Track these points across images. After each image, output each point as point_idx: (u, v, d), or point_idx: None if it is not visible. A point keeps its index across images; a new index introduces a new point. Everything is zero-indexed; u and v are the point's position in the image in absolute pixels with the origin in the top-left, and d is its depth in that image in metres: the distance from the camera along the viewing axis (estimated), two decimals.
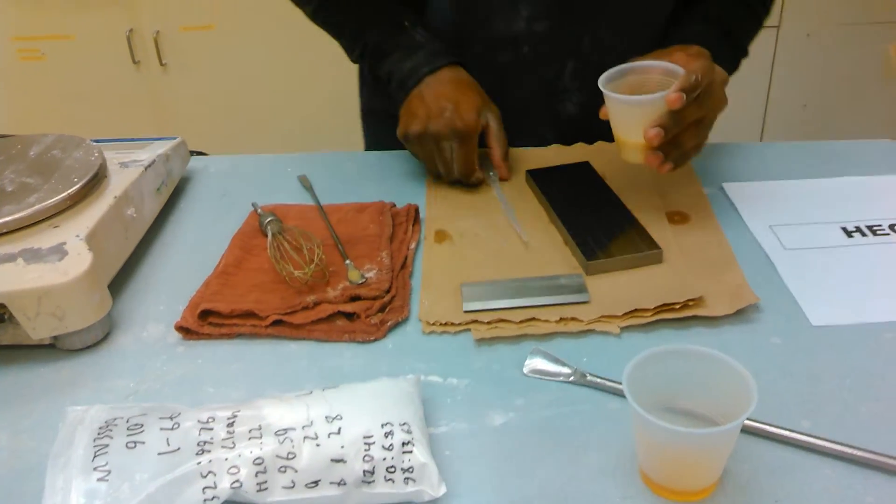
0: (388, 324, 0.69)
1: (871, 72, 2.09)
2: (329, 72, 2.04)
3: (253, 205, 0.87)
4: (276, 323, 0.70)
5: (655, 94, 0.73)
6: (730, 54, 0.89)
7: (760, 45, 2.04)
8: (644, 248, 0.75)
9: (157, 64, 2.14)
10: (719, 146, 0.96)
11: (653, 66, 0.77)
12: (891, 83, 2.09)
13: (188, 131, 2.28)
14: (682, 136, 0.75)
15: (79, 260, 0.68)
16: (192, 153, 1.01)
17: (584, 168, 0.89)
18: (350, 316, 0.70)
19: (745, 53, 0.93)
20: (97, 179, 0.79)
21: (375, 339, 0.69)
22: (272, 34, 2.08)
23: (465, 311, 0.70)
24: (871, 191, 0.84)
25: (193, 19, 2.09)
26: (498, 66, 0.93)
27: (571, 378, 0.62)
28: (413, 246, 0.80)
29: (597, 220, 0.79)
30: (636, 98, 0.74)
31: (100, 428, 0.53)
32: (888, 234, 0.77)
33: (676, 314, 0.67)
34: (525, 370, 0.64)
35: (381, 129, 1.05)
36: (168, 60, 2.14)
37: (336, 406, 0.54)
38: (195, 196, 0.93)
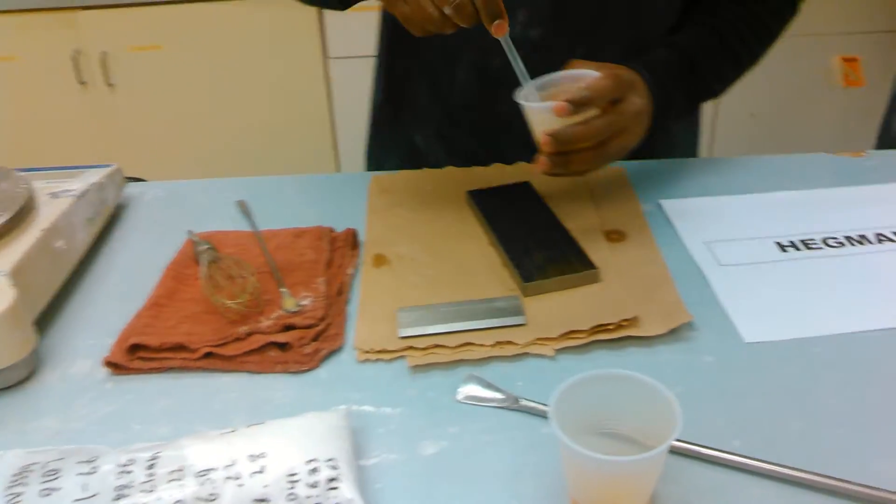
0: (322, 353, 0.68)
1: (815, 82, 2.13)
2: (280, 94, 2.03)
3: (188, 233, 0.85)
4: (208, 355, 0.68)
5: (548, 102, 0.73)
6: (686, 89, 0.87)
7: None
8: (580, 268, 0.74)
9: (103, 85, 2.11)
10: (658, 163, 0.96)
11: (576, 75, 0.76)
12: (835, 92, 2.13)
13: (136, 153, 2.27)
14: (574, 156, 0.74)
15: (1, 297, 0.66)
16: (129, 179, 0.99)
17: (524, 188, 0.88)
18: (283, 346, 0.69)
19: (710, 94, 0.91)
20: (24, 212, 0.77)
21: (309, 369, 0.67)
22: (221, 55, 2.06)
23: (401, 338, 0.69)
24: (805, 205, 0.85)
25: (141, 39, 2.07)
26: (491, 72, 0.92)
27: (505, 403, 0.62)
28: (351, 271, 0.79)
29: (534, 241, 0.79)
30: (529, 104, 0.74)
31: (13, 476, 0.52)
32: (821, 248, 0.78)
33: (611, 335, 0.67)
34: (459, 397, 0.63)
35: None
36: (115, 81, 2.11)
37: (260, 443, 0.53)
38: (130, 224, 0.91)
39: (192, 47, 2.07)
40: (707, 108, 2.21)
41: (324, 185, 0.96)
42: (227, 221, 0.90)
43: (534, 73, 0.76)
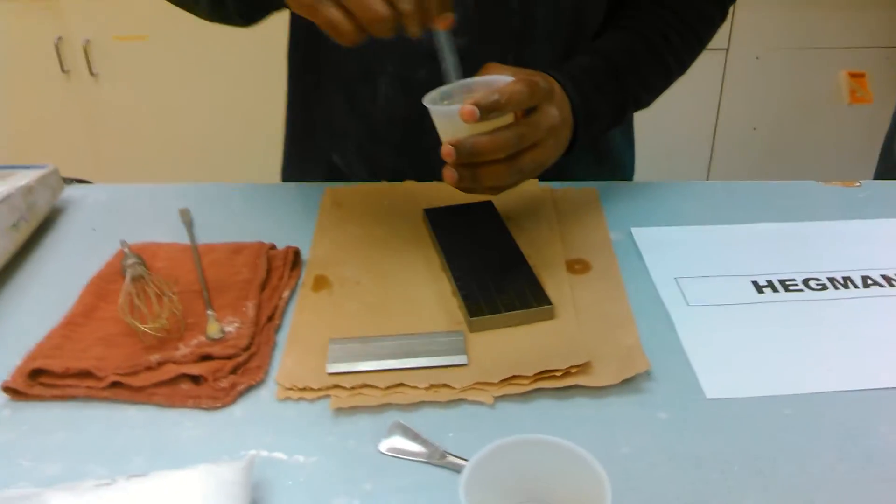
0: (239, 388, 0.62)
1: (820, 96, 2.05)
2: (269, 89, 1.97)
3: (121, 243, 0.79)
4: (115, 385, 0.62)
5: (453, 105, 0.66)
6: (611, 99, 0.80)
7: (710, 67, 2.02)
8: (534, 303, 0.68)
9: (87, 73, 2.05)
10: (632, 185, 0.89)
11: (490, 81, 0.68)
12: (840, 108, 2.06)
13: (118, 144, 2.21)
14: (483, 169, 0.67)
15: None
16: (72, 181, 0.93)
17: (485, 208, 0.82)
18: (197, 378, 0.62)
19: (637, 104, 0.84)
20: None
21: (223, 406, 0.61)
22: (208, 48, 2.00)
23: (329, 374, 0.63)
24: (788, 239, 0.78)
25: (126, 28, 2.01)
26: (416, 84, 0.85)
27: (430, 458, 0.55)
28: (286, 294, 0.73)
29: (488, 269, 0.72)
30: (434, 107, 0.67)
31: None
32: (801, 291, 0.71)
33: (557, 383, 0.60)
34: (381, 447, 0.57)
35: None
36: (99, 70, 2.05)
37: (136, 502, 0.47)
38: (64, 231, 0.85)
39: (178, 39, 2.00)
40: (707, 120, 2.15)
41: (276, 195, 0.90)
42: (168, 230, 0.83)
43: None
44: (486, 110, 0.63)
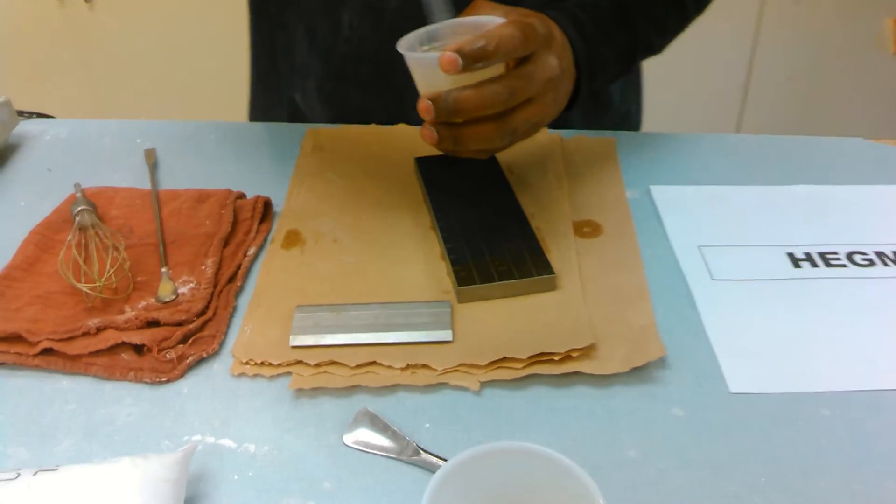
0: (188, 360, 0.54)
1: (863, 45, 1.91)
2: None
3: (75, 186, 0.70)
4: (47, 351, 0.54)
5: (431, 52, 0.56)
6: (619, 45, 0.69)
7: (743, 10, 1.87)
8: (534, 271, 0.59)
9: (82, 2, 1.94)
10: (652, 137, 0.79)
11: (477, 23, 0.57)
12: (884, 59, 1.91)
13: (113, 75, 2.10)
14: (467, 129, 0.56)
15: None
16: (31, 115, 0.84)
17: (486, 158, 0.72)
18: (140, 348, 0.54)
19: (648, 50, 0.72)
20: None
21: (168, 380, 0.53)
22: None
23: (292, 347, 0.54)
24: (830, 205, 0.68)
25: None
26: (387, 14, 0.74)
27: (401, 455, 0.47)
28: (252, 251, 0.64)
29: (483, 230, 0.63)
30: (410, 54, 0.56)
31: None
32: (844, 266, 0.61)
33: (555, 368, 0.52)
34: (346, 439, 0.49)
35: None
36: None
37: (43, 501, 0.39)
38: (15, 170, 0.76)
39: None
40: (739, 68, 2.01)
41: (257, 137, 0.81)
42: (131, 173, 0.75)
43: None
44: (471, 59, 0.53)
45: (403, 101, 0.77)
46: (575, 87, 0.65)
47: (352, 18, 0.76)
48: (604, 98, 0.84)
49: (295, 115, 0.86)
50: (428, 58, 0.54)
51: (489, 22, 0.56)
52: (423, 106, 0.55)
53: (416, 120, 0.77)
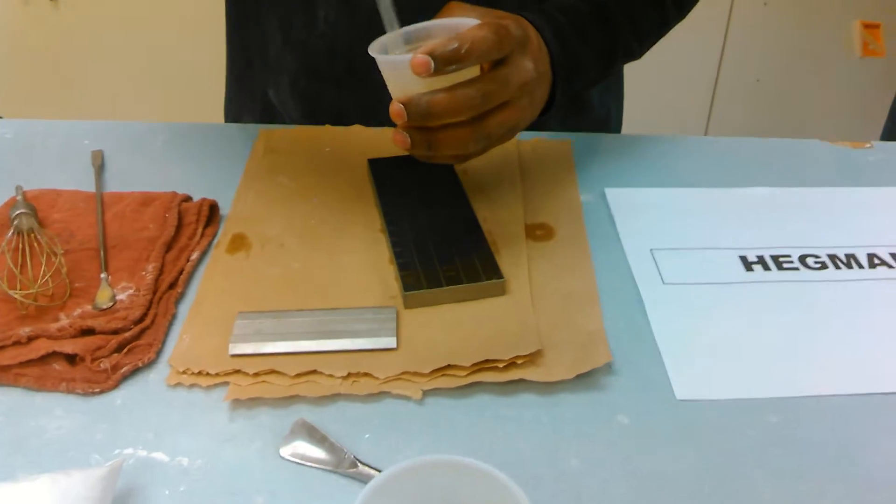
0: (124, 370, 0.52)
1: (831, 47, 1.92)
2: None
3: (16, 189, 0.68)
4: None
5: (403, 55, 0.54)
6: (598, 49, 0.67)
7: (713, 12, 1.87)
8: (482, 276, 0.58)
9: (46, 1, 1.91)
10: (611, 138, 0.78)
11: (451, 25, 0.56)
12: (852, 61, 1.93)
13: (78, 74, 2.07)
14: (441, 134, 0.55)
15: None
16: None
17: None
18: (73, 358, 0.52)
19: (628, 54, 0.71)
20: None
21: (101, 391, 0.51)
22: None
23: (232, 356, 0.53)
24: (783, 208, 0.67)
25: None
26: (363, 8, 0.72)
27: (337, 467, 0.46)
28: (196, 256, 0.62)
29: (434, 234, 0.62)
30: (381, 56, 0.55)
31: None
32: (796, 269, 0.60)
33: (499, 376, 0.51)
34: (282, 451, 0.47)
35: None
36: None
37: None
38: None
39: None
40: (707, 70, 2.02)
41: (207, 138, 0.79)
42: (77, 175, 0.73)
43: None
44: (443, 61, 0.51)
45: (380, 100, 0.76)
46: (552, 91, 0.64)
47: (327, 13, 0.74)
48: (582, 102, 0.83)
49: (268, 111, 0.84)
50: (399, 60, 0.53)
51: (463, 24, 0.55)
52: (395, 109, 0.54)
53: (389, 121, 0.76)
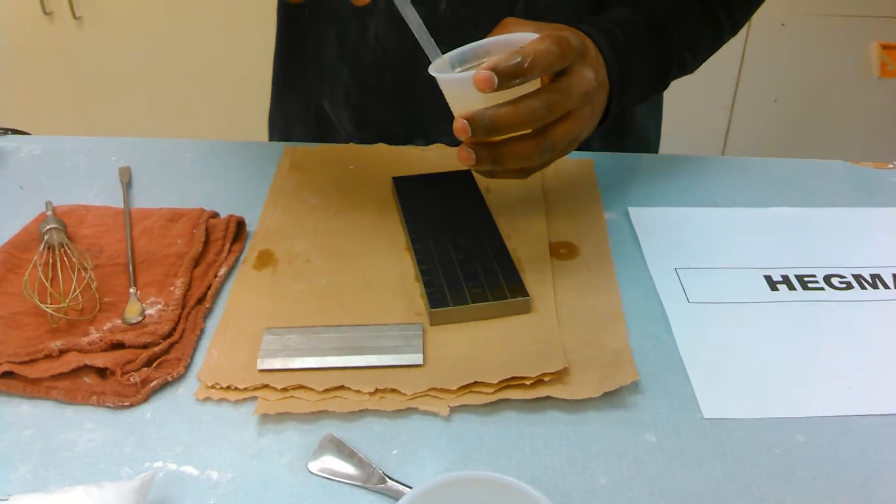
0: (153, 384, 0.53)
1: (849, 68, 1.92)
2: (259, 37, 1.85)
3: (46, 204, 0.69)
4: (7, 374, 0.53)
5: (466, 69, 0.54)
6: (652, 61, 0.67)
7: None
8: (508, 294, 0.58)
9: (70, 16, 1.94)
10: (634, 157, 0.79)
11: (509, 41, 0.56)
12: (871, 82, 1.92)
13: (100, 90, 2.09)
14: (506, 148, 0.55)
15: None
16: (7, 131, 0.83)
17: (463, 178, 0.71)
18: (103, 371, 0.53)
19: (681, 68, 0.70)
20: None
21: (131, 405, 0.52)
22: None
23: (260, 371, 0.53)
24: (808, 228, 0.67)
25: None
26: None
27: (366, 483, 0.46)
28: (223, 272, 0.63)
29: (459, 252, 0.62)
30: (442, 75, 0.54)
31: None
32: (822, 289, 0.60)
33: (526, 394, 0.51)
34: (311, 466, 0.47)
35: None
36: (82, 13, 1.94)
37: None
38: None
39: None
40: (725, 90, 2.02)
41: (234, 156, 0.80)
42: (105, 191, 0.74)
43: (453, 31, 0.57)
44: (507, 76, 0.51)
45: (423, 117, 0.77)
46: (607, 103, 0.63)
47: (377, 28, 0.75)
48: (628, 120, 0.84)
49: (323, 123, 0.85)
50: (461, 77, 0.53)
51: (521, 39, 0.55)
52: (460, 126, 0.53)
53: (433, 136, 0.77)
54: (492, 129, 0.53)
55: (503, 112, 0.52)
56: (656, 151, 0.92)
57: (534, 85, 0.54)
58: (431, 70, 0.55)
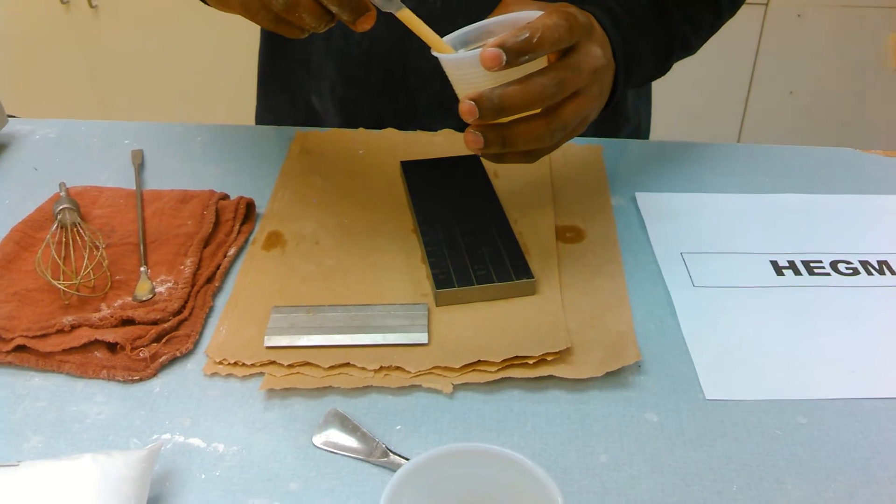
0: (162, 359, 0.54)
1: (865, 60, 1.90)
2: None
3: (60, 185, 0.70)
4: (20, 348, 0.54)
5: (470, 50, 0.53)
6: (655, 41, 0.66)
7: (746, 24, 1.87)
8: (513, 275, 0.58)
9: (86, 5, 1.96)
10: (643, 145, 0.79)
11: (514, 19, 0.54)
12: (886, 74, 1.91)
13: (118, 80, 2.11)
14: (515, 129, 0.53)
15: None
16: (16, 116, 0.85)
17: (471, 163, 0.72)
18: (114, 346, 0.54)
19: (684, 48, 0.69)
20: None
21: (140, 379, 0.53)
22: None
23: (267, 348, 0.54)
24: (815, 214, 0.67)
25: None
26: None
27: (369, 456, 0.47)
28: (233, 252, 0.64)
29: (465, 234, 0.63)
30: (445, 56, 0.53)
31: None
32: (827, 275, 0.60)
33: (529, 372, 0.51)
34: (315, 440, 0.48)
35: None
36: (98, 3, 1.95)
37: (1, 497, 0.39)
38: (3, 170, 0.76)
39: None
40: (740, 82, 2.01)
41: (245, 139, 0.80)
42: (117, 173, 0.75)
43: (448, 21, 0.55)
44: (515, 53, 0.49)
45: (416, 107, 0.76)
46: (613, 84, 0.62)
47: None
48: (619, 108, 0.83)
49: (312, 118, 0.85)
50: (468, 56, 0.51)
51: (525, 17, 0.53)
52: (466, 107, 0.51)
53: (427, 125, 0.77)
54: (500, 110, 0.51)
55: (512, 90, 0.50)
56: (647, 138, 0.92)
57: (540, 64, 0.53)
58: (434, 52, 0.54)
